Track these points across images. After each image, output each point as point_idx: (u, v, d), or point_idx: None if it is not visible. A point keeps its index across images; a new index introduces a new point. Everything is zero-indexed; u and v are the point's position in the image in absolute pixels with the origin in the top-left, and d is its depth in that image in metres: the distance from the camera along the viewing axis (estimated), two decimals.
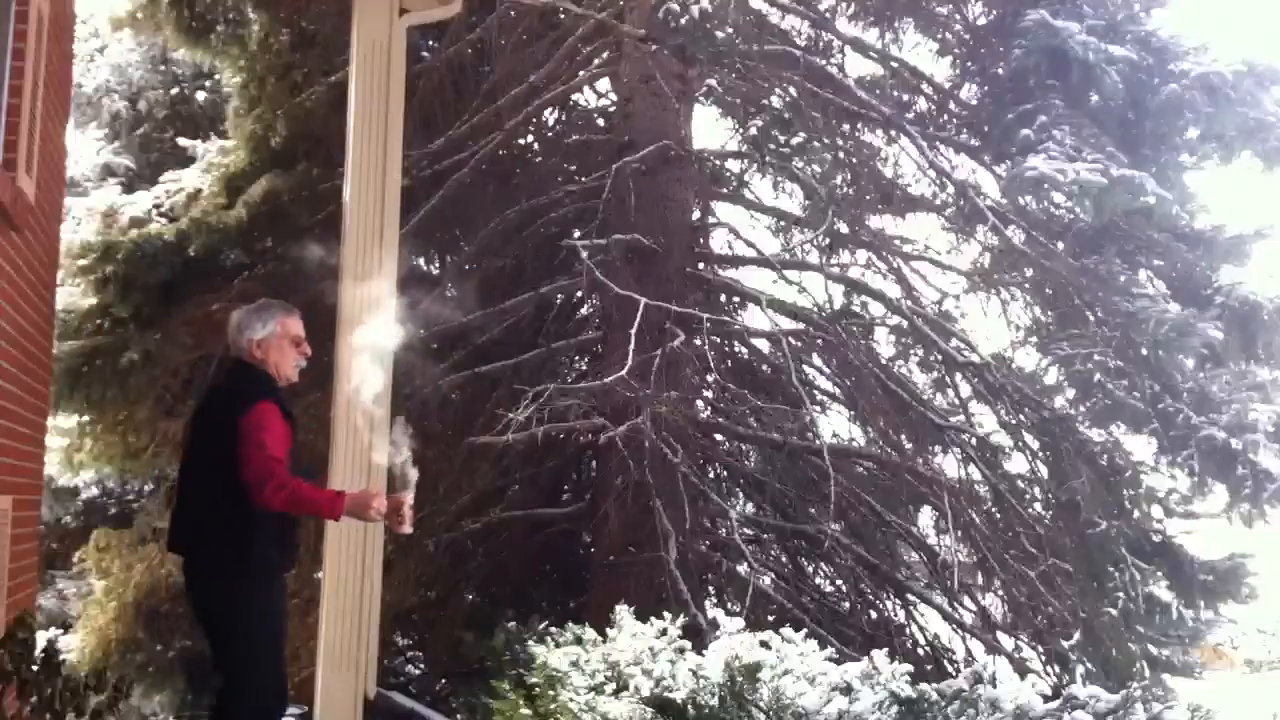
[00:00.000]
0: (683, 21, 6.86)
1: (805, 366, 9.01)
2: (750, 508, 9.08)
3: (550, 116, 9.72)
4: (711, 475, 8.79)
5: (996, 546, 8.01)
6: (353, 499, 3.68)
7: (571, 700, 3.85)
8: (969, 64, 8.87)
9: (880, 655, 3.90)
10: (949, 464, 8.88)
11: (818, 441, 8.17)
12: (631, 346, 7.01)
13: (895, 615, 8.55)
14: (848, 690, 3.64)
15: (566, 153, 9.38)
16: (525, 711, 3.97)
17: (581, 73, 8.89)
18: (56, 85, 5.12)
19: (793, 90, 8.45)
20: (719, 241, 9.65)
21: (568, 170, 9.21)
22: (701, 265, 8.97)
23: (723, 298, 9.30)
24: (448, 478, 7.78)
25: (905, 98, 9.10)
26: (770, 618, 7.56)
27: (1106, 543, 7.90)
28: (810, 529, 8.26)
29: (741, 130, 9.45)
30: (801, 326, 8.78)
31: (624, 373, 6.91)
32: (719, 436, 8.85)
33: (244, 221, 8.14)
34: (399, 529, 3.78)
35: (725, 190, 9.65)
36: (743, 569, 8.01)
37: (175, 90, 12.74)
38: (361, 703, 5.19)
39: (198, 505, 3.70)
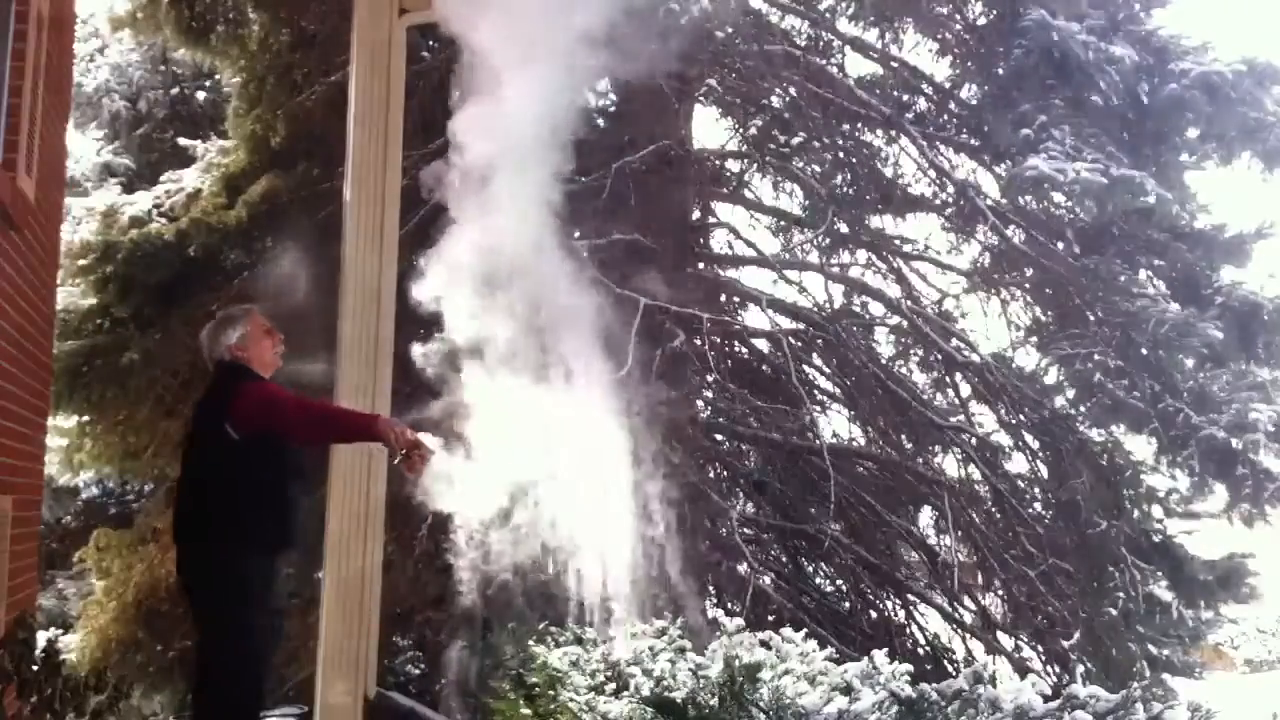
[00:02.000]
0: (683, 21, 6.85)
1: (805, 366, 9.01)
2: (750, 508, 9.08)
3: None
4: (711, 475, 8.78)
5: (996, 546, 8.02)
6: (384, 421, 3.85)
7: (571, 700, 3.85)
8: (969, 64, 8.87)
9: (880, 655, 3.90)
10: (949, 464, 8.90)
11: (818, 441, 8.17)
12: (631, 346, 7.01)
13: (895, 615, 8.55)
14: (848, 690, 3.64)
15: (566, 153, 9.36)
16: (525, 711, 3.98)
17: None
18: (56, 85, 5.12)
19: (793, 90, 8.45)
20: (719, 241, 9.65)
21: (568, 170, 9.18)
22: (701, 265, 8.96)
23: (723, 298, 9.29)
24: None
25: (905, 98, 9.10)
26: (770, 618, 7.56)
27: (1106, 543, 7.89)
28: (810, 529, 8.25)
29: (741, 130, 9.44)
30: (801, 326, 8.77)
31: (624, 373, 6.90)
32: (719, 436, 8.85)
33: (244, 221, 8.14)
34: (410, 470, 3.83)
35: (725, 190, 9.65)
36: (743, 569, 8.01)
37: (175, 90, 12.74)
38: (361, 703, 5.19)
39: (197, 496, 3.92)
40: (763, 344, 9.19)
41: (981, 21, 8.83)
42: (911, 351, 9.37)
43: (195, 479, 3.97)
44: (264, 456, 3.88)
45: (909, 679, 3.65)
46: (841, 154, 8.95)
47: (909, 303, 8.77)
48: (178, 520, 3.96)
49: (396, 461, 3.86)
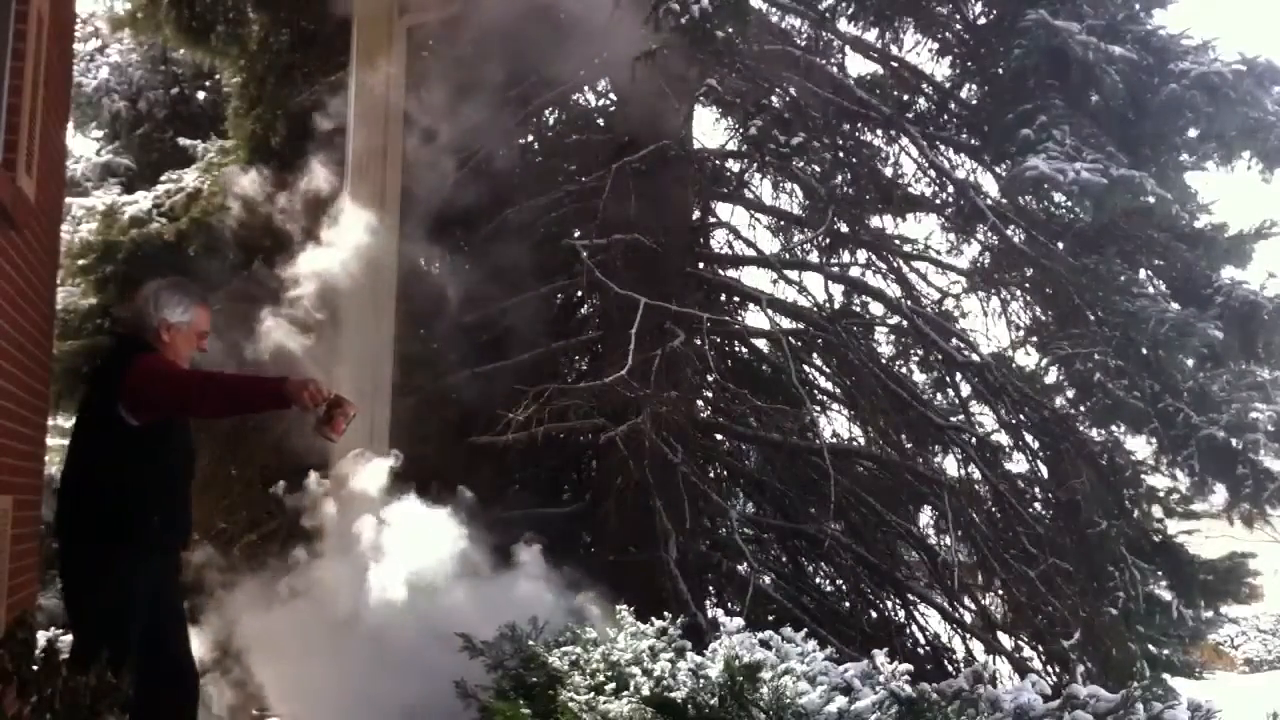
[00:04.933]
0: (683, 21, 6.85)
1: (805, 366, 9.00)
2: (750, 507, 9.07)
3: (550, 116, 9.73)
4: (711, 475, 8.78)
5: (996, 546, 8.01)
6: (294, 381, 3.56)
7: (571, 700, 3.85)
8: (969, 64, 8.87)
9: (880, 655, 3.90)
10: (949, 464, 8.89)
11: (818, 441, 8.17)
12: (631, 346, 7.00)
13: (895, 615, 8.55)
14: (848, 690, 3.64)
15: (566, 153, 9.37)
16: (525, 711, 3.97)
17: (581, 72, 8.88)
18: (56, 85, 5.12)
19: (793, 90, 8.44)
20: (719, 241, 9.65)
21: (568, 170, 9.20)
22: (701, 265, 8.96)
23: (723, 298, 9.29)
24: (448, 478, 7.76)
25: (905, 98, 9.10)
26: (770, 618, 7.55)
27: (1106, 543, 7.89)
28: (810, 529, 8.25)
29: (741, 130, 9.44)
30: (801, 326, 8.77)
31: (624, 373, 6.90)
32: (719, 436, 8.85)
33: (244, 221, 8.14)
34: (333, 432, 3.63)
35: (725, 190, 9.65)
36: (743, 569, 8.01)
37: (175, 90, 12.74)
38: None
39: (82, 489, 3.69)
40: (763, 344, 9.19)
41: (981, 21, 8.83)
42: (911, 351, 9.37)
43: (81, 469, 3.71)
44: (158, 446, 3.64)
45: (909, 679, 3.65)
46: (841, 154, 8.95)
47: (909, 303, 8.77)
48: (59, 516, 3.72)
49: (314, 426, 3.61)
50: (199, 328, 3.86)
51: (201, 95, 12.61)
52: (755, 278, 9.57)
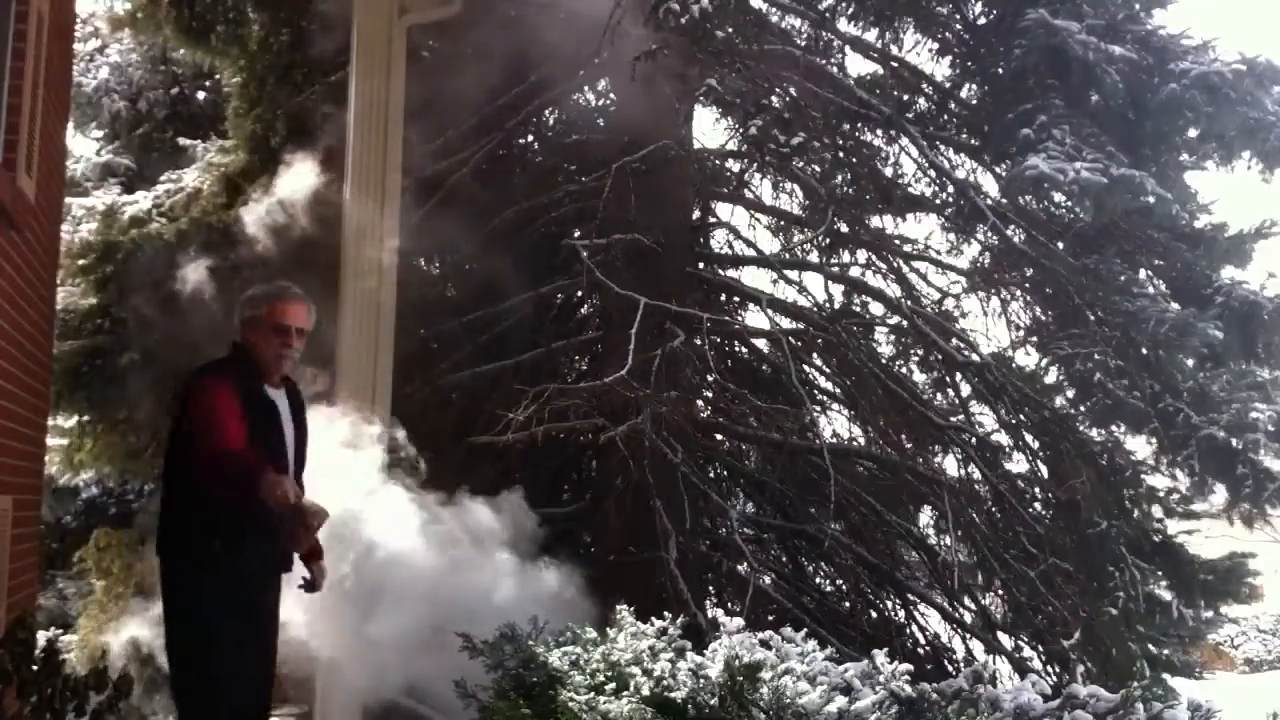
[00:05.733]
0: (683, 21, 6.85)
1: (805, 366, 9.00)
2: (750, 507, 9.08)
3: (550, 116, 9.73)
4: (711, 475, 8.78)
5: (996, 546, 8.01)
6: (269, 477, 3.21)
7: (571, 700, 3.84)
8: (969, 64, 8.87)
9: (880, 655, 3.90)
10: (949, 464, 8.89)
11: (818, 441, 8.17)
12: (631, 346, 7.00)
13: (895, 615, 8.55)
14: (848, 690, 3.64)
15: (566, 153, 9.37)
16: (525, 711, 3.97)
17: (581, 72, 8.88)
18: (56, 85, 5.12)
19: (793, 90, 8.44)
20: (719, 241, 9.65)
21: (568, 170, 9.20)
22: (701, 265, 8.97)
23: (723, 298, 9.30)
24: (448, 478, 7.76)
25: (905, 98, 9.09)
26: (770, 618, 7.56)
27: (1106, 543, 7.89)
28: (810, 529, 8.25)
29: (741, 130, 9.44)
30: (801, 326, 8.77)
31: (624, 373, 6.90)
32: (719, 436, 8.85)
33: (244, 221, 8.14)
34: (291, 545, 3.50)
35: (725, 190, 9.65)
36: (743, 569, 8.01)
37: (175, 90, 12.75)
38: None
39: (163, 503, 3.73)
40: (763, 344, 9.19)
41: (981, 21, 8.82)
42: (911, 351, 9.37)
43: (164, 484, 3.74)
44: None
45: (909, 679, 3.65)
46: (841, 154, 8.95)
47: (909, 303, 8.77)
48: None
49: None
50: (275, 321, 3.60)
51: (201, 95, 12.62)
52: (755, 278, 9.60)
